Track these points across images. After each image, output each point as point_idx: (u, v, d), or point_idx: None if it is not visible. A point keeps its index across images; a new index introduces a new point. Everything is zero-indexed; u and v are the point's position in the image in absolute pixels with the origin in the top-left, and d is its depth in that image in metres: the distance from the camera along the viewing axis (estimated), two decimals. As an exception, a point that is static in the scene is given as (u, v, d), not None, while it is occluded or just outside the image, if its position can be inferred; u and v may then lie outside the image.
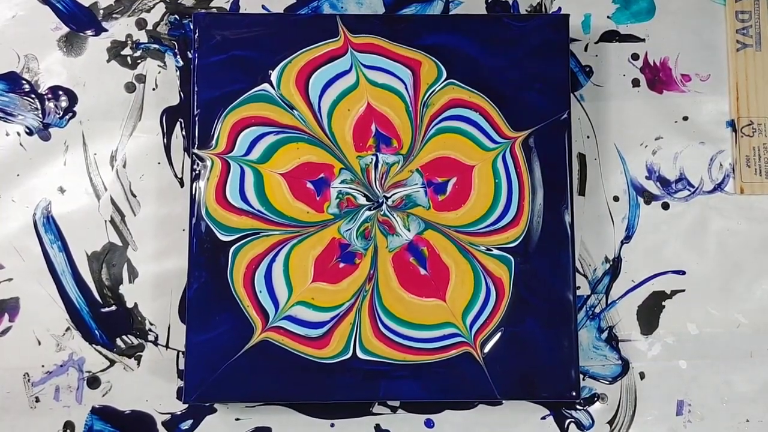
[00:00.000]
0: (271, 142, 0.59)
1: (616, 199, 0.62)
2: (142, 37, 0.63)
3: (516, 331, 0.57)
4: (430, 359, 0.57)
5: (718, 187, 0.63)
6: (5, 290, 0.60)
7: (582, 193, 0.62)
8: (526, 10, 0.64)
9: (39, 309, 0.60)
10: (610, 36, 0.64)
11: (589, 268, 0.61)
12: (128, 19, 0.63)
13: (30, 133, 0.62)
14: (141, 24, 0.63)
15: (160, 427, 0.59)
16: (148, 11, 0.63)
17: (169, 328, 0.60)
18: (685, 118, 0.63)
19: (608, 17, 0.64)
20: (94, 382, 0.60)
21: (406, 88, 0.59)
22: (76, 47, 0.63)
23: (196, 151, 0.58)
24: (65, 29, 0.63)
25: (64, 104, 0.62)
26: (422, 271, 0.58)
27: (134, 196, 0.61)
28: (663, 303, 0.61)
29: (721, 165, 0.63)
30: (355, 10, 0.63)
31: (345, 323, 0.57)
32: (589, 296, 0.61)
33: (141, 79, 0.62)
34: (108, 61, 0.63)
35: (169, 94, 0.62)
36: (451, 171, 0.59)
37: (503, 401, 0.60)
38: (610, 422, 0.60)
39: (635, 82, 0.63)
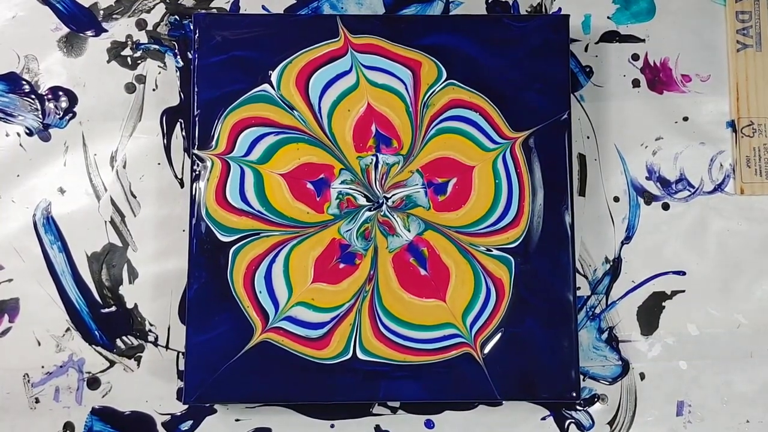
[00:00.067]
0: (271, 143, 0.58)
1: (616, 199, 0.62)
2: (142, 37, 0.63)
3: (516, 332, 0.57)
4: (430, 360, 0.57)
5: (719, 187, 0.62)
6: (5, 291, 0.60)
7: (582, 193, 0.62)
8: (526, 11, 0.64)
9: (39, 310, 0.60)
10: (610, 36, 0.64)
11: (589, 268, 0.61)
12: (128, 19, 0.63)
13: (30, 133, 0.62)
14: (141, 24, 0.63)
15: (160, 427, 0.59)
16: (148, 12, 0.63)
17: (169, 329, 0.60)
18: (686, 119, 0.63)
19: (608, 18, 0.64)
20: (94, 382, 0.60)
21: (407, 89, 0.59)
22: (76, 48, 0.63)
23: (196, 151, 0.58)
24: (65, 30, 0.63)
25: (64, 105, 0.62)
26: (422, 272, 0.58)
27: (134, 196, 0.61)
28: (663, 303, 0.61)
29: (721, 165, 0.63)
30: (355, 10, 0.63)
31: (345, 324, 0.57)
32: (589, 297, 0.61)
33: (141, 79, 0.62)
34: (108, 61, 0.63)
35: (169, 95, 0.62)
36: (451, 171, 0.59)
37: (503, 402, 0.60)
38: (610, 423, 0.60)
39: (635, 83, 0.63)
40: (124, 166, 0.62)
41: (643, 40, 0.63)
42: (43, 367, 0.60)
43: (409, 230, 0.58)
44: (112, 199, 0.61)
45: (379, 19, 0.61)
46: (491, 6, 0.63)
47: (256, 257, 0.57)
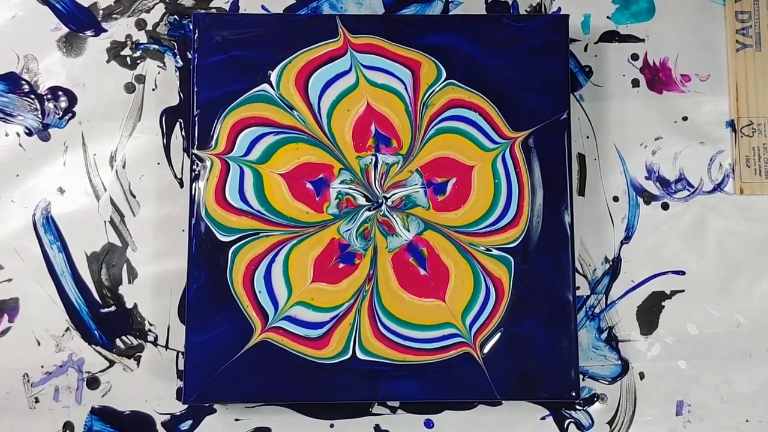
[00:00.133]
0: (270, 143, 0.59)
1: (615, 199, 0.62)
2: (141, 37, 0.63)
3: (516, 332, 0.57)
4: (429, 359, 0.57)
5: (718, 187, 0.62)
6: (5, 291, 0.60)
7: (582, 193, 0.62)
8: (526, 11, 0.64)
9: (38, 309, 0.60)
10: (609, 36, 0.64)
11: (588, 268, 0.61)
12: (128, 19, 0.63)
13: (29, 133, 0.62)
14: (140, 24, 0.63)
15: (159, 427, 0.59)
16: (148, 12, 0.63)
17: (168, 329, 0.60)
18: (685, 119, 0.63)
19: (608, 17, 0.64)
20: (93, 382, 0.60)
21: (406, 89, 0.59)
22: (76, 48, 0.63)
23: (195, 151, 0.58)
24: (65, 30, 0.63)
25: (63, 105, 0.62)
26: (422, 272, 0.58)
27: (134, 196, 0.61)
28: (663, 303, 0.61)
29: (720, 165, 0.63)
30: (355, 10, 0.63)
31: (344, 323, 0.57)
32: (588, 296, 0.61)
33: (140, 79, 0.62)
34: (107, 61, 0.63)
35: (168, 95, 0.62)
36: (450, 171, 0.59)
37: (503, 401, 0.60)
38: (610, 422, 0.60)
39: (635, 83, 0.63)
40: (124, 166, 0.62)
41: (643, 40, 0.63)
42: (42, 366, 0.60)
43: (408, 230, 0.58)
44: (111, 199, 0.61)
45: (379, 19, 0.61)
46: (491, 6, 0.63)
47: (255, 257, 0.57)
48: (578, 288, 0.61)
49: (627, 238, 0.62)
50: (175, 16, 0.63)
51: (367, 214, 0.58)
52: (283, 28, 0.60)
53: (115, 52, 0.63)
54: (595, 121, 0.63)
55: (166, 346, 0.60)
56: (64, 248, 0.61)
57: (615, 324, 0.61)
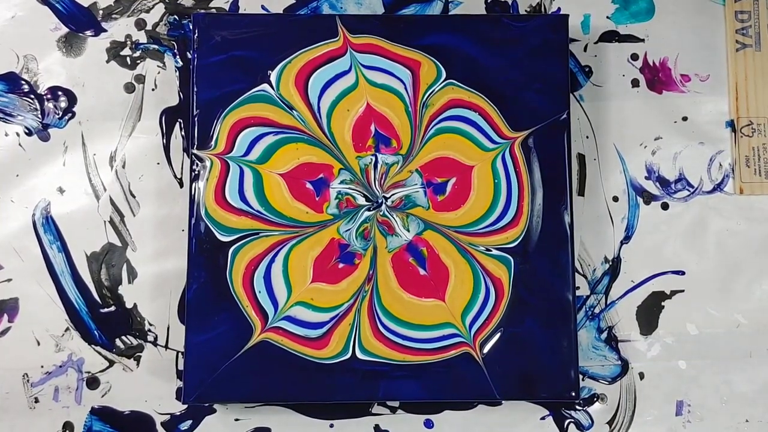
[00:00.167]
0: (270, 143, 0.58)
1: (615, 199, 0.62)
2: (141, 37, 0.63)
3: (515, 332, 0.57)
4: (429, 359, 0.57)
5: (718, 187, 0.62)
6: (4, 291, 0.60)
7: (581, 193, 0.62)
8: (526, 11, 0.64)
9: (38, 309, 0.60)
10: (609, 36, 0.64)
11: (588, 268, 0.61)
12: (127, 19, 0.63)
13: (29, 133, 0.62)
14: (140, 24, 0.63)
15: (159, 427, 0.59)
16: (148, 12, 0.63)
17: (168, 329, 0.60)
18: (685, 119, 0.63)
19: (608, 17, 0.64)
20: (93, 382, 0.60)
21: (406, 89, 0.59)
22: (76, 48, 0.63)
23: (195, 151, 0.58)
24: (64, 30, 0.63)
25: (63, 105, 0.62)
26: (422, 272, 0.58)
27: (133, 196, 0.61)
28: (662, 303, 0.61)
29: (720, 165, 0.63)
30: (355, 10, 0.63)
31: (344, 323, 0.57)
32: (588, 296, 0.61)
33: (140, 79, 0.62)
34: (107, 61, 0.63)
35: (168, 95, 0.62)
36: (450, 171, 0.59)
37: (503, 401, 0.60)
38: (610, 422, 0.60)
39: (635, 83, 0.63)
40: (124, 166, 0.62)
41: (643, 40, 0.63)
42: (42, 366, 0.60)
43: (408, 230, 0.58)
44: (111, 199, 0.61)
45: (379, 18, 0.61)
46: (490, 6, 0.63)
47: (255, 257, 0.57)
48: (578, 288, 0.61)
49: (627, 238, 0.62)
50: (175, 16, 0.63)
51: (367, 214, 0.58)
52: (283, 28, 0.60)
53: (114, 52, 0.63)
54: (594, 121, 0.63)
55: (166, 346, 0.60)
56: (64, 248, 0.61)
57: (615, 324, 0.61)
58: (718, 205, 0.62)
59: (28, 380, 0.60)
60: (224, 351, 0.56)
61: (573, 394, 0.57)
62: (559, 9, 0.64)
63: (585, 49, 0.63)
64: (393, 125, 0.59)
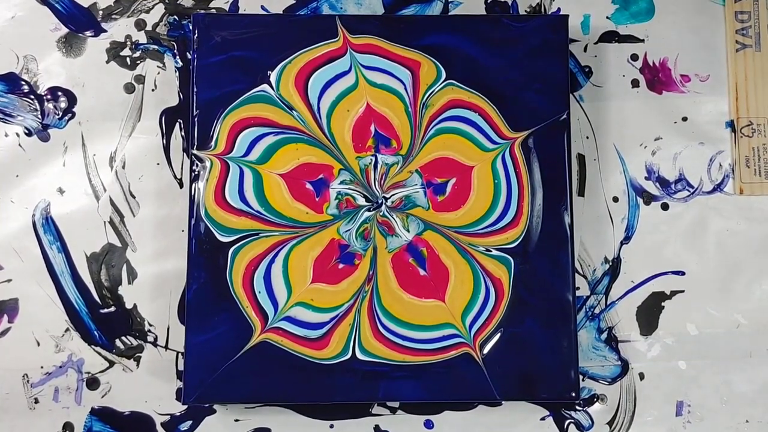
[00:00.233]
0: (270, 143, 0.58)
1: (615, 199, 0.62)
2: (141, 37, 0.63)
3: (515, 332, 0.57)
4: (429, 360, 0.57)
5: (718, 187, 0.62)
6: (4, 291, 0.60)
7: (581, 193, 0.62)
8: (526, 11, 0.64)
9: (38, 310, 0.60)
10: (609, 36, 0.64)
11: (588, 268, 0.61)
12: (127, 19, 0.63)
13: (29, 133, 0.62)
14: (140, 25, 0.63)
15: (159, 428, 0.59)
16: (147, 12, 0.63)
17: (168, 329, 0.60)
18: (685, 119, 0.63)
19: (607, 18, 0.64)
20: (93, 383, 0.60)
21: (406, 89, 0.59)
22: (75, 48, 0.63)
23: (195, 151, 0.58)
24: (64, 30, 0.63)
25: (63, 105, 0.62)
26: (421, 272, 0.58)
27: (133, 197, 0.61)
28: (662, 303, 0.61)
29: (720, 165, 0.63)
30: (355, 10, 0.63)
31: (344, 324, 0.57)
32: (588, 297, 0.61)
33: (140, 79, 0.62)
34: (107, 61, 0.63)
35: (168, 95, 0.62)
36: (450, 172, 0.59)
37: (503, 402, 0.60)
38: (610, 423, 0.60)
39: (635, 83, 0.63)
40: (123, 167, 0.62)
41: (643, 41, 0.63)
42: (42, 367, 0.60)
43: (408, 230, 0.58)
44: (111, 200, 0.61)
45: (378, 19, 0.61)
46: (490, 6, 0.63)
47: (255, 257, 0.57)
48: (578, 288, 0.61)
49: (627, 239, 0.62)
50: (175, 17, 0.63)
51: (367, 214, 0.58)
52: (283, 28, 0.60)
53: (114, 52, 0.63)
54: (594, 122, 0.63)
55: (166, 347, 0.60)
56: (64, 249, 0.61)
57: (615, 324, 0.61)
58: (718, 205, 0.62)
59: (28, 381, 0.60)
60: (224, 351, 0.56)
61: (573, 394, 0.57)
62: (559, 9, 0.64)
63: (585, 50, 0.63)
64: (393, 125, 0.59)
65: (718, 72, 0.63)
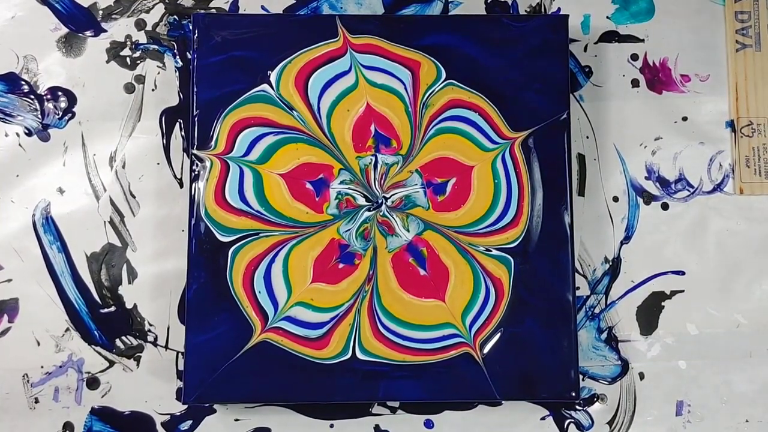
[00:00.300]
0: (270, 143, 0.58)
1: (615, 199, 0.62)
2: (141, 37, 0.63)
3: (515, 332, 0.57)
4: (429, 360, 0.57)
5: (718, 187, 0.62)
6: (4, 291, 0.60)
7: (581, 193, 0.62)
8: (526, 11, 0.64)
9: (38, 310, 0.60)
10: (609, 36, 0.64)
11: (588, 268, 0.61)
12: (127, 19, 0.63)
13: (29, 133, 0.62)
14: (140, 25, 0.63)
15: (159, 427, 0.59)
16: (147, 12, 0.63)
17: (168, 329, 0.60)
18: (685, 119, 0.63)
19: (608, 18, 0.64)
20: (93, 382, 0.60)
21: (406, 89, 0.59)
22: (75, 48, 0.63)
23: (195, 151, 0.58)
24: (64, 30, 0.63)
25: (63, 105, 0.62)
26: (422, 272, 0.58)
27: (133, 196, 0.61)
28: (662, 303, 0.61)
29: (720, 165, 0.63)
30: (355, 10, 0.63)
31: (344, 324, 0.57)
32: (588, 297, 0.61)
33: (140, 79, 0.62)
34: (107, 61, 0.63)
35: (168, 95, 0.62)
36: (450, 171, 0.59)
37: (503, 402, 0.60)
38: (610, 423, 0.60)
39: (635, 83, 0.63)
40: (124, 167, 0.62)
41: (643, 40, 0.63)
42: (42, 367, 0.60)
43: (408, 230, 0.58)
44: (111, 200, 0.61)
45: (379, 19, 0.61)
46: (490, 6, 0.63)
47: (255, 257, 0.57)
48: (578, 288, 0.61)
49: (627, 239, 0.62)
50: (175, 17, 0.63)
51: (367, 214, 0.58)
52: (283, 28, 0.60)
53: (114, 52, 0.63)
54: (594, 122, 0.63)
55: (166, 347, 0.60)
56: (64, 248, 0.61)
57: (615, 324, 0.61)
58: (718, 205, 0.62)
59: (28, 380, 0.60)
60: (224, 351, 0.56)
61: (573, 394, 0.57)
62: (559, 9, 0.64)
63: (585, 50, 0.63)
64: (393, 125, 0.59)
65: (718, 72, 0.63)
